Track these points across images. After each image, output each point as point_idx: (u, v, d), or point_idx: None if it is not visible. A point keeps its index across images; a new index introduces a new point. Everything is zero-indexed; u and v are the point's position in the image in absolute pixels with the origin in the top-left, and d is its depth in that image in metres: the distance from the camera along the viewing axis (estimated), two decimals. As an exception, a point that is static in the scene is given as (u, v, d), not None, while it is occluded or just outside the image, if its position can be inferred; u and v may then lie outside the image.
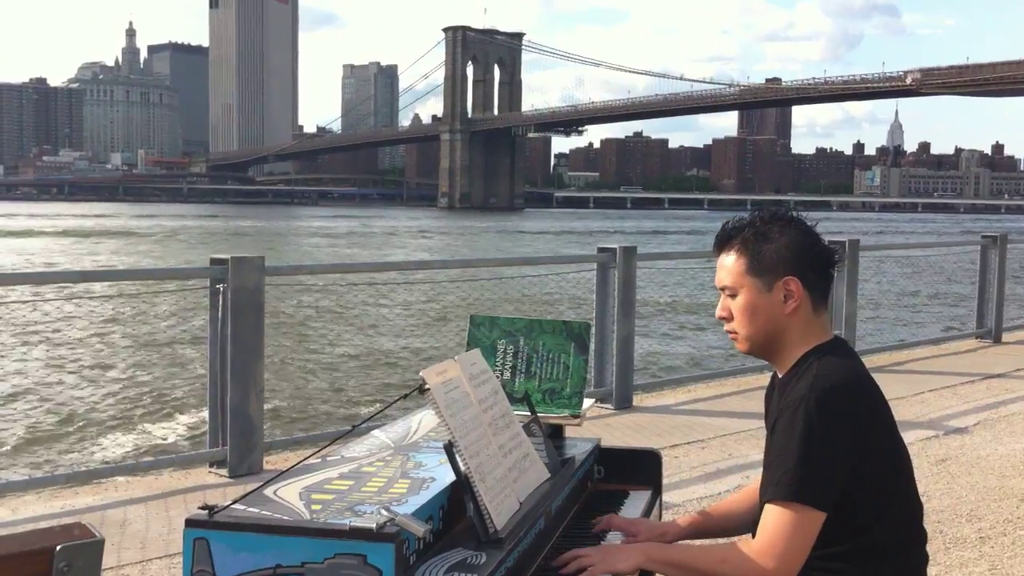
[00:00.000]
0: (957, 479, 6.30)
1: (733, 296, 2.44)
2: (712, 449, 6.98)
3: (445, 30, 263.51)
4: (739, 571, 2.25)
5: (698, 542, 2.61)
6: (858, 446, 2.25)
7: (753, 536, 2.46)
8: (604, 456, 3.06)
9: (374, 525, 1.75)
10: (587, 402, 3.05)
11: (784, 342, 2.42)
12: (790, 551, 2.21)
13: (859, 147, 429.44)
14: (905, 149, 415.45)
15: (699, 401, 8.71)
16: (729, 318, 2.46)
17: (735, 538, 2.47)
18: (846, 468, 2.24)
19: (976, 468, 6.57)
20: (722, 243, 2.49)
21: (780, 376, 2.47)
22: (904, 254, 16.26)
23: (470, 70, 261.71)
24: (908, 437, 7.19)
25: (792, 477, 2.22)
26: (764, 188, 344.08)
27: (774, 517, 2.24)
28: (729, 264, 2.44)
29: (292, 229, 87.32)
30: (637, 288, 8.60)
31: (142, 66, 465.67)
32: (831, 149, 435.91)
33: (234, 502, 1.91)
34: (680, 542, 2.50)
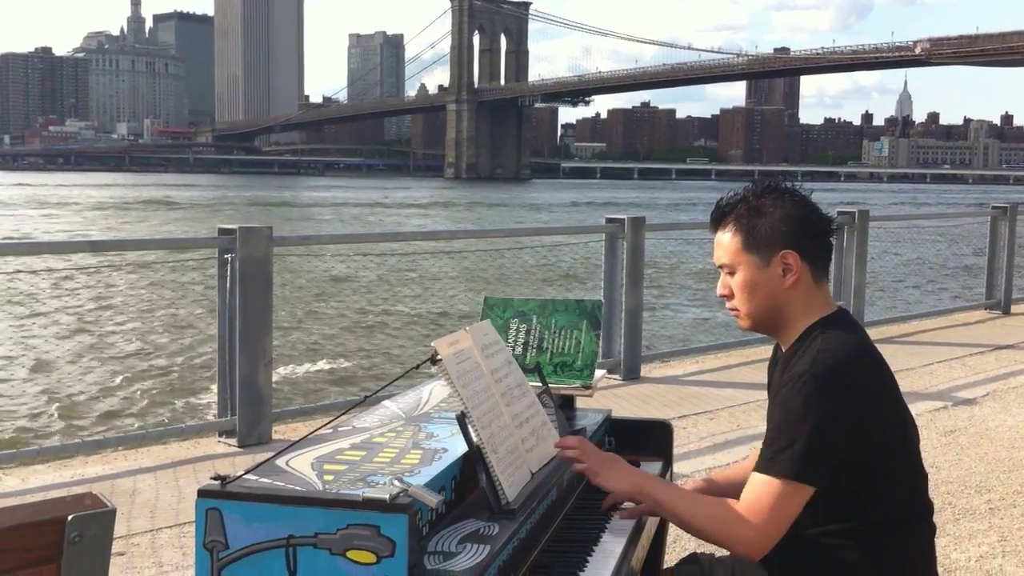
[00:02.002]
0: (966, 450, 6.29)
1: (732, 274, 2.42)
2: (720, 420, 6.98)
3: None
4: (720, 528, 2.27)
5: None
6: (859, 422, 2.23)
7: None
8: (615, 427, 3.05)
9: (387, 496, 1.74)
10: (598, 373, 3.04)
11: (786, 316, 2.40)
12: (772, 519, 2.22)
13: (868, 117, 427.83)
14: (914, 119, 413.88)
15: (707, 372, 8.71)
16: (730, 296, 2.44)
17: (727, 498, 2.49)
18: (841, 446, 2.22)
19: (985, 439, 6.56)
20: (717, 220, 2.46)
21: (784, 350, 2.44)
22: (913, 225, 16.18)
23: (476, 40, 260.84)
24: (917, 408, 7.23)
25: (784, 453, 2.21)
26: (772, 158, 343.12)
27: (761, 486, 2.24)
28: (725, 242, 2.42)
29: (306, 200, 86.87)
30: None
31: (147, 35, 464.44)
32: (839, 119, 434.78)
33: (246, 472, 1.90)
34: (674, 485, 2.51)
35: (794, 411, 2.22)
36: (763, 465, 2.25)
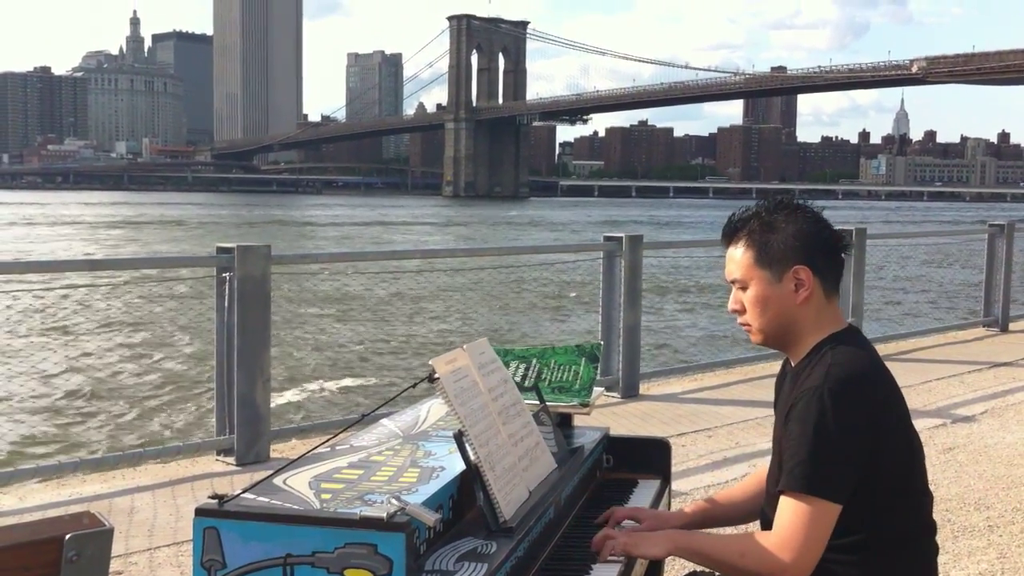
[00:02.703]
0: (965, 468, 6.29)
1: (744, 289, 2.42)
2: (719, 438, 6.97)
3: (450, 18, 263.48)
4: (758, 564, 2.24)
5: (715, 531, 2.62)
6: (872, 437, 2.22)
7: (762, 526, 2.46)
8: (613, 445, 3.05)
9: (385, 514, 1.74)
10: (596, 390, 3.04)
11: (798, 332, 2.39)
12: (807, 544, 2.20)
13: (865, 136, 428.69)
14: (911, 137, 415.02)
15: (705, 389, 8.70)
16: (741, 311, 2.44)
17: (752, 529, 2.46)
18: (860, 459, 2.21)
19: (984, 456, 6.55)
20: (729, 236, 2.46)
21: (793, 364, 2.44)
22: (911, 243, 16.21)
23: (475, 59, 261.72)
24: (916, 426, 7.22)
25: (806, 469, 2.20)
26: (769, 177, 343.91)
27: (790, 510, 2.22)
28: (738, 257, 2.42)
29: (319, 219, 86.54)
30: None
31: (146, 55, 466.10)
32: (837, 138, 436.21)
33: (244, 491, 1.90)
34: (703, 531, 2.50)
35: (810, 425, 2.20)
36: (785, 484, 2.23)
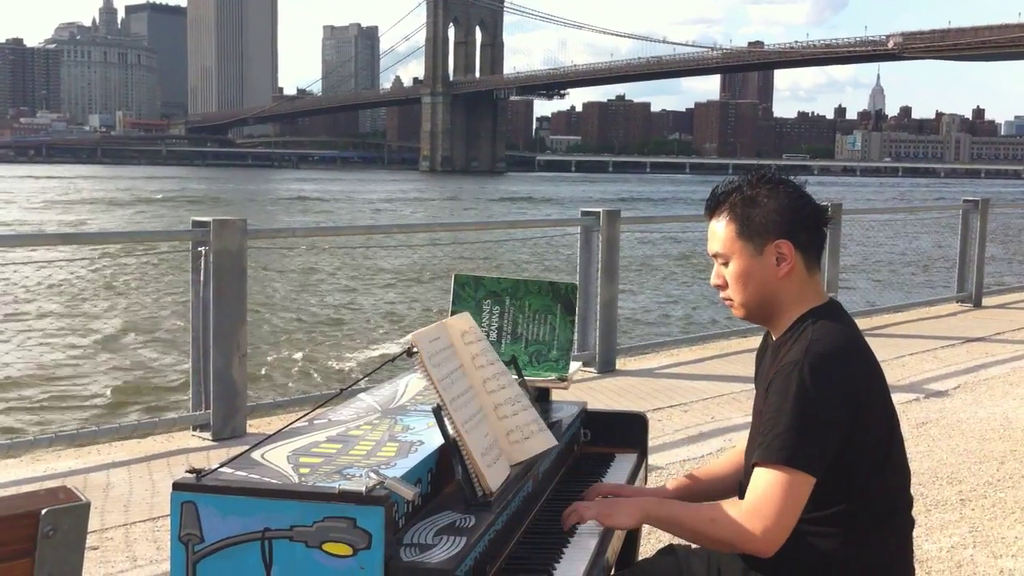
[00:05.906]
0: (937, 442, 6.35)
1: (726, 264, 2.42)
2: (695, 412, 7.01)
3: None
4: (728, 531, 2.25)
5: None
6: (851, 411, 2.23)
7: (741, 497, 2.47)
8: (590, 419, 3.06)
9: (363, 488, 1.74)
10: (573, 365, 3.04)
11: (779, 306, 2.40)
12: (779, 514, 2.20)
13: (841, 111, 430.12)
14: (887, 113, 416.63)
15: (682, 365, 8.73)
16: (724, 286, 2.44)
17: (726, 500, 2.47)
18: (839, 433, 2.22)
19: (956, 431, 6.62)
20: (712, 209, 2.45)
21: (775, 338, 2.44)
22: (887, 218, 16.28)
23: (452, 32, 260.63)
24: (890, 400, 7.26)
25: (784, 441, 2.20)
26: (746, 152, 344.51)
27: (764, 480, 2.23)
28: (720, 231, 2.41)
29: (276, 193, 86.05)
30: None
31: (120, 26, 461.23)
32: (813, 113, 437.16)
33: (221, 465, 1.90)
34: (674, 500, 2.51)
35: (790, 398, 2.21)
36: (761, 455, 2.24)
